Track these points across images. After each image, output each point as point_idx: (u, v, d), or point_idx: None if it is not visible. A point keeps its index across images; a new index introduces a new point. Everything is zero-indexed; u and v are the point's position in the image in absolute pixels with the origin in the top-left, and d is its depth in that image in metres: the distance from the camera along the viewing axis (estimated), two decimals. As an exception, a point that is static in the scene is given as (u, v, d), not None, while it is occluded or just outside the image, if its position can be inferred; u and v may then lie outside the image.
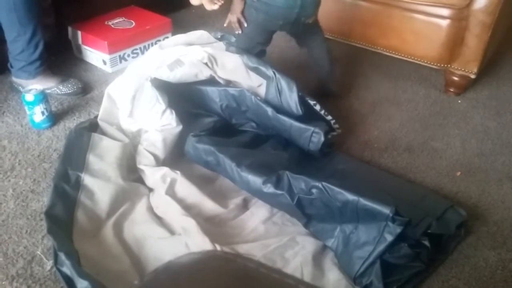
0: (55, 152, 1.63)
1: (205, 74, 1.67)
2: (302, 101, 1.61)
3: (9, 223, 1.36)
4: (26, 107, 1.73)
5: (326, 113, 1.64)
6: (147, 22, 2.35)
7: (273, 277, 0.42)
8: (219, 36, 1.81)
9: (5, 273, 1.21)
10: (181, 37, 1.77)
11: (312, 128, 1.56)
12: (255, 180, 1.41)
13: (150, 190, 1.49)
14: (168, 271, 0.46)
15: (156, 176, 1.49)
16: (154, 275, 0.47)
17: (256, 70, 1.66)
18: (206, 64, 1.65)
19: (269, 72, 1.64)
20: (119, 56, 2.20)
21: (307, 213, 1.36)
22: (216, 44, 1.76)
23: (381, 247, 1.20)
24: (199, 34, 1.79)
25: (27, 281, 1.19)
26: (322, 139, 1.56)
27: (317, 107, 1.63)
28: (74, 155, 1.48)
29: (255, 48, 1.82)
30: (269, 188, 1.38)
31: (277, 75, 1.63)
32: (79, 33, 2.22)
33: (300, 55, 2.02)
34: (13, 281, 1.20)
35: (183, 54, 1.64)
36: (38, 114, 1.73)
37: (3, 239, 1.31)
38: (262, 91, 1.67)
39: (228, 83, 1.71)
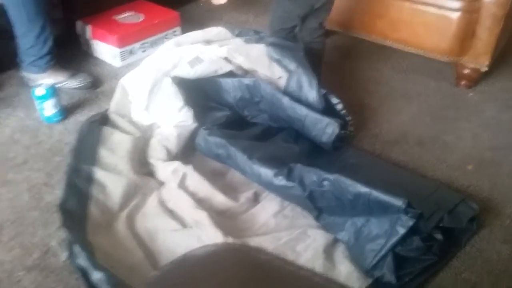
0: (66, 146, 1.64)
1: (224, 69, 1.68)
2: (325, 98, 1.61)
3: (24, 215, 1.38)
4: (37, 102, 1.74)
5: (346, 113, 1.64)
6: (156, 16, 2.35)
7: (287, 269, 0.43)
8: (237, 33, 1.80)
9: (22, 264, 1.24)
10: (198, 34, 1.76)
11: (327, 119, 1.56)
12: (267, 172, 1.41)
13: (161, 184, 1.50)
14: (184, 263, 0.47)
15: (167, 170, 1.49)
16: (171, 266, 0.47)
17: (278, 62, 1.67)
18: (226, 58, 1.65)
19: (292, 65, 1.64)
20: (128, 50, 2.20)
21: (318, 205, 1.36)
22: (233, 40, 1.75)
23: (393, 240, 1.21)
24: (217, 31, 1.78)
25: (43, 272, 1.21)
26: (337, 130, 1.55)
27: (339, 106, 1.63)
28: (86, 149, 1.49)
29: (291, 22, 1.78)
30: (280, 181, 1.38)
31: (299, 70, 1.63)
32: (88, 27, 2.23)
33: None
34: (29, 271, 1.22)
35: (202, 51, 1.64)
36: (48, 108, 1.74)
37: (19, 231, 1.33)
38: (281, 83, 1.67)
39: (246, 73, 1.71)
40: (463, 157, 1.69)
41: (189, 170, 1.49)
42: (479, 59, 1.99)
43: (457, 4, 1.93)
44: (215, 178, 1.52)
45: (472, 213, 1.38)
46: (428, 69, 2.23)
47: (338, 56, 2.33)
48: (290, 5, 1.75)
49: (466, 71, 2.06)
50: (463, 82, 2.10)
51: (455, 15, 1.95)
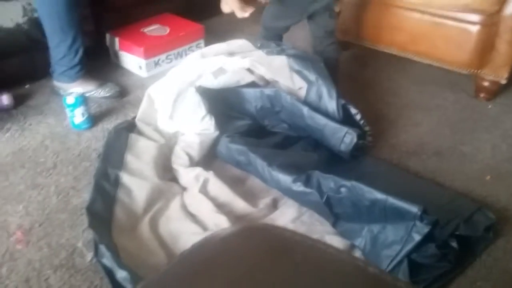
0: (94, 152, 1.71)
1: (246, 80, 1.74)
2: (344, 108, 1.65)
3: (52, 217, 1.44)
4: (67, 109, 1.82)
5: (364, 124, 1.67)
6: (181, 28, 2.43)
7: (307, 243, 0.46)
8: (259, 45, 1.85)
9: (50, 263, 1.29)
10: (222, 46, 1.82)
11: (346, 129, 1.59)
12: (285, 178, 1.46)
13: (184, 189, 1.55)
14: (212, 242, 0.50)
15: (190, 175, 1.55)
16: (202, 242, 0.50)
17: (299, 73, 1.71)
18: (248, 69, 1.71)
19: (312, 76, 1.69)
20: (154, 61, 2.28)
21: (335, 212, 1.39)
22: (255, 52, 1.80)
23: (408, 246, 1.23)
24: (240, 43, 1.83)
25: (69, 271, 1.27)
26: (355, 140, 1.58)
27: (357, 117, 1.66)
28: (113, 154, 1.56)
29: (282, 23, 1.88)
30: (299, 187, 1.42)
31: (319, 81, 1.67)
32: (117, 39, 2.31)
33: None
34: (56, 270, 1.27)
35: (225, 62, 1.70)
36: (78, 116, 1.81)
37: (47, 232, 1.39)
38: (301, 94, 1.72)
39: (267, 84, 1.76)
40: (481, 168, 1.70)
41: (210, 176, 1.54)
42: (498, 71, 2.00)
43: (476, 18, 1.95)
44: (235, 184, 1.57)
45: (488, 222, 1.39)
46: (447, 81, 2.24)
47: (356, 67, 2.36)
48: (282, 6, 1.86)
49: (485, 84, 2.07)
50: (482, 94, 2.11)
51: (475, 29, 1.97)
